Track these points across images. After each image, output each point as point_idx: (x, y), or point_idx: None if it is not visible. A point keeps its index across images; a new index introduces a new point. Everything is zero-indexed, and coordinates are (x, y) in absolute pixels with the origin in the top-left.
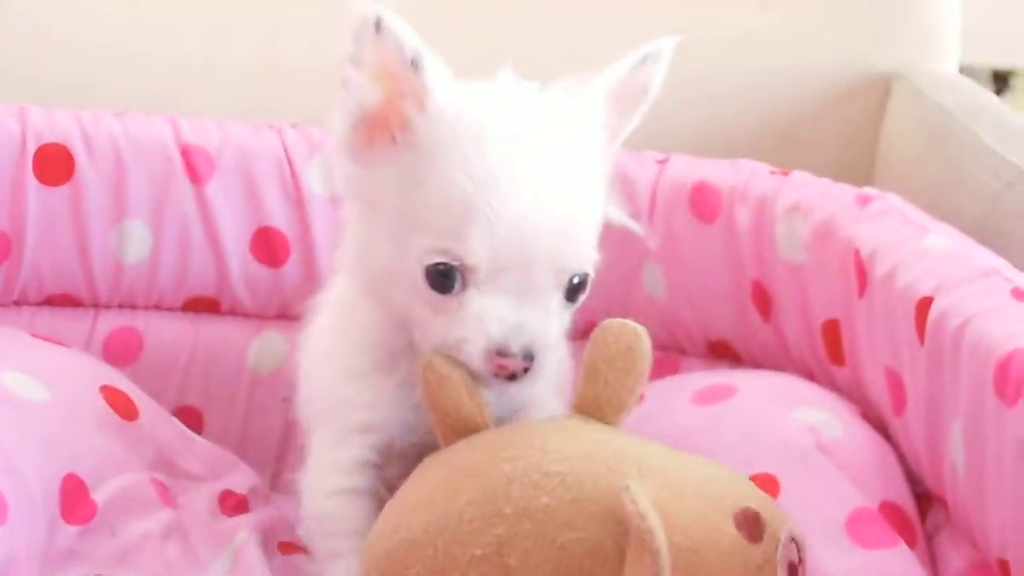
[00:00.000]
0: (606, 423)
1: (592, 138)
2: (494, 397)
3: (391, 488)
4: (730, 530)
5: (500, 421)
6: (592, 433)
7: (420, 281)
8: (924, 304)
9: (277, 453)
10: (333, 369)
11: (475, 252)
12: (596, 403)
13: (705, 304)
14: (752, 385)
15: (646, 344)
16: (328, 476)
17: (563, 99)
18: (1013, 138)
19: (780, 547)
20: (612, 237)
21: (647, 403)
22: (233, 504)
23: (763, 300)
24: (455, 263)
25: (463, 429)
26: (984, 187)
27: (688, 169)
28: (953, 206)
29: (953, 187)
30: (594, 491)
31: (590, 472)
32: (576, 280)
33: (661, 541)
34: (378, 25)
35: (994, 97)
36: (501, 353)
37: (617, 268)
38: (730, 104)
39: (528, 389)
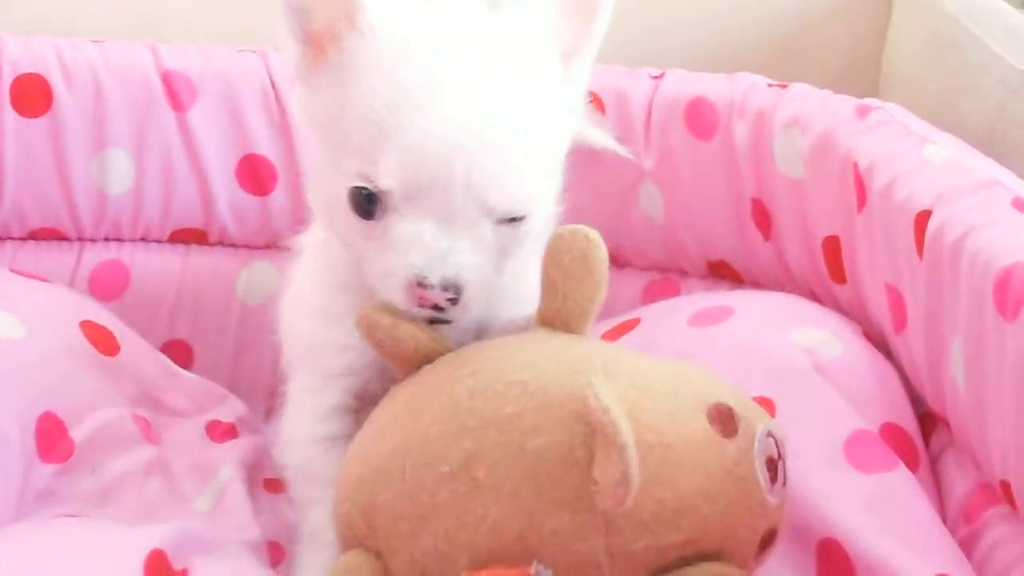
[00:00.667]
0: (572, 333)
1: (540, 57)
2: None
3: None
4: (702, 425)
5: None
6: (556, 341)
7: (347, 207)
8: (923, 217)
9: (269, 386)
10: (310, 313)
11: (385, 174)
12: (559, 315)
13: (704, 223)
14: (750, 306)
15: (601, 249)
16: (306, 423)
17: (506, 14)
18: (1020, 42)
19: (756, 442)
20: (606, 157)
21: (643, 328)
22: (221, 432)
23: (763, 218)
24: (373, 189)
25: (423, 359)
26: (989, 95)
27: (684, 84)
28: (958, 115)
29: (958, 96)
30: (559, 395)
31: (555, 376)
32: (516, 221)
33: (627, 434)
34: None
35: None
36: (420, 284)
37: (612, 189)
38: (730, 17)
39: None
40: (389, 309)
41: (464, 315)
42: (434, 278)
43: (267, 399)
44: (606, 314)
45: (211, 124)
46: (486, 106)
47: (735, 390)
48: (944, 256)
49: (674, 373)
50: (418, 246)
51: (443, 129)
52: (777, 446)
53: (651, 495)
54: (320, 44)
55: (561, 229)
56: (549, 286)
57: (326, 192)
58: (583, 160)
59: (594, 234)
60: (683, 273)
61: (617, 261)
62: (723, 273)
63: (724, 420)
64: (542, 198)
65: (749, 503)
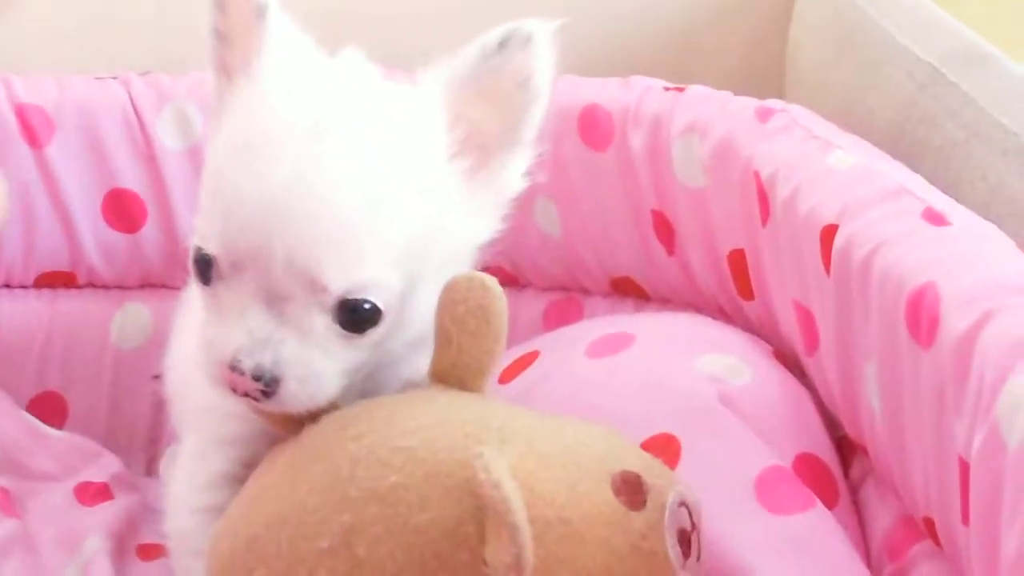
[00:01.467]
0: (467, 391)
1: (420, 140)
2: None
3: None
4: (607, 496)
5: None
6: (450, 400)
7: (191, 266)
8: (829, 231)
9: (150, 436)
10: (199, 376)
11: (211, 237)
12: (453, 371)
13: (604, 239)
14: (651, 332)
15: (499, 300)
16: (192, 491)
17: (398, 89)
18: (928, 32)
19: (667, 511)
20: None
21: (542, 361)
22: (92, 493)
23: (665, 231)
24: (206, 248)
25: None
26: (898, 90)
27: (575, 91)
28: (866, 112)
29: (866, 91)
30: (449, 463)
31: (444, 442)
32: (361, 306)
33: (519, 514)
34: None
35: None
36: (232, 367)
37: None
38: (626, 19)
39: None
40: None
41: (284, 408)
42: (246, 365)
43: (147, 449)
44: (507, 340)
45: (72, 159)
46: (328, 171)
47: (643, 454)
48: (852, 274)
49: (576, 437)
50: (239, 326)
51: (268, 191)
52: (691, 515)
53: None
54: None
55: (456, 276)
56: (443, 338)
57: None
58: None
59: (492, 282)
60: (586, 292)
61: (516, 282)
62: (628, 291)
63: (631, 490)
64: (400, 290)
65: None
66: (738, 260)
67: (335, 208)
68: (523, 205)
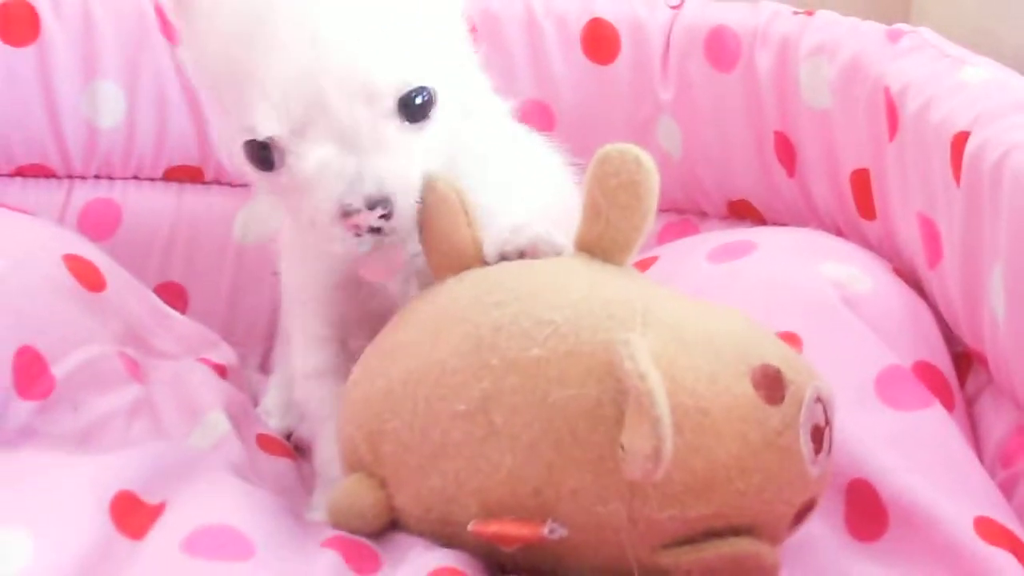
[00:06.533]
0: (612, 264)
1: None
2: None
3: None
4: (746, 390)
5: None
6: (594, 275)
7: (248, 164)
8: (960, 139)
9: (267, 331)
10: (288, 249)
11: (263, 120)
12: (599, 243)
13: (725, 160)
14: (773, 241)
15: (652, 176)
16: (298, 359)
17: None
18: None
19: (803, 408)
20: (621, 88)
21: (660, 265)
22: (212, 368)
23: (787, 153)
24: (260, 138)
25: (455, 259)
26: None
27: (704, 12)
28: (994, 41)
29: (994, 21)
30: (592, 343)
31: (588, 320)
32: (415, 97)
33: (662, 407)
34: None
35: None
36: (347, 213)
37: (629, 123)
38: None
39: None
40: (454, 184)
41: (405, 224)
42: (357, 202)
43: (263, 343)
44: None
45: None
46: (340, 16)
47: (785, 348)
48: (984, 179)
49: (719, 327)
50: (328, 176)
51: (296, 48)
52: (825, 411)
53: (683, 465)
54: None
55: (609, 148)
56: (592, 209)
57: (230, 154)
58: (596, 91)
59: (646, 158)
60: (702, 215)
61: None
62: (744, 214)
63: (770, 384)
64: (436, 68)
65: (789, 477)
66: (861, 180)
67: (356, 27)
68: (646, 123)
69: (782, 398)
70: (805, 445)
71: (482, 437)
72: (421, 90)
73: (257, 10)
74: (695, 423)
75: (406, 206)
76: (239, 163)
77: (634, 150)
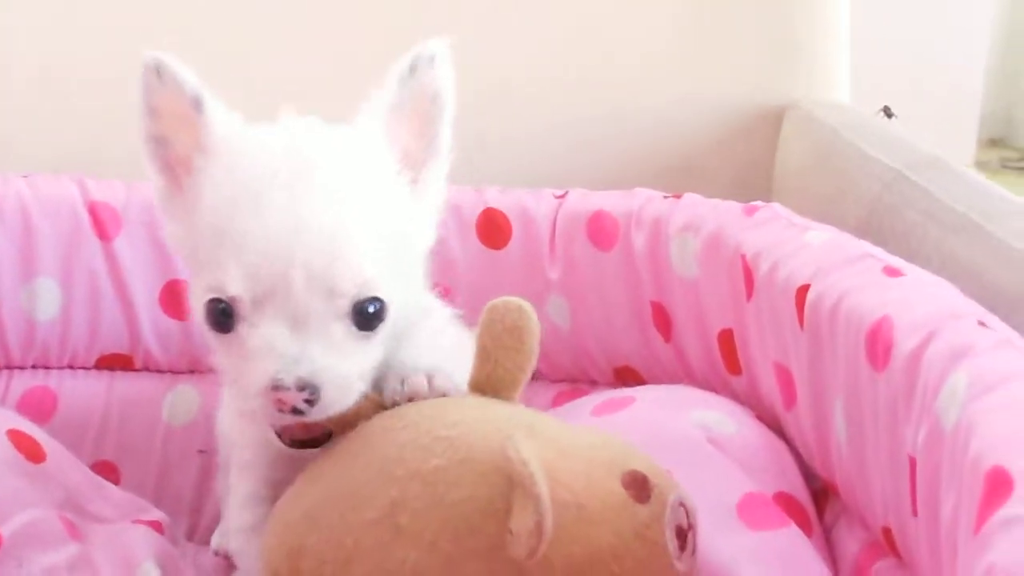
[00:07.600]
0: (501, 399)
1: (372, 161)
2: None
3: None
4: (617, 489)
5: None
6: (485, 404)
7: (204, 324)
8: (803, 291)
9: (193, 504)
10: (229, 415)
11: (231, 281)
12: (489, 382)
13: (608, 330)
14: (650, 395)
15: (532, 321)
16: (233, 513)
17: (341, 129)
18: (892, 145)
19: (668, 509)
20: (514, 269)
21: None
22: (146, 523)
23: (663, 320)
24: (224, 298)
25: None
26: (866, 191)
27: (585, 200)
28: (839, 213)
29: (839, 196)
30: (483, 451)
31: (480, 434)
32: (368, 307)
33: (542, 486)
34: (159, 71)
35: (878, 119)
36: (275, 388)
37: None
38: (630, 139)
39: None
40: None
41: (326, 412)
42: (289, 380)
43: (191, 515)
44: None
45: (135, 251)
46: (317, 201)
47: (650, 460)
48: (823, 323)
49: (593, 441)
50: (271, 352)
51: (277, 230)
52: (688, 516)
53: (563, 550)
54: (177, 172)
55: (496, 301)
56: (481, 353)
57: (194, 314)
58: (491, 272)
59: (527, 306)
60: (593, 383)
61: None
62: (628, 378)
63: (638, 486)
64: (392, 285)
65: (659, 567)
66: (727, 338)
67: (336, 233)
68: (537, 299)
69: (648, 497)
70: (671, 541)
71: (389, 540)
72: (375, 300)
73: (255, 185)
74: (573, 515)
75: (333, 401)
76: (200, 327)
77: (517, 300)
